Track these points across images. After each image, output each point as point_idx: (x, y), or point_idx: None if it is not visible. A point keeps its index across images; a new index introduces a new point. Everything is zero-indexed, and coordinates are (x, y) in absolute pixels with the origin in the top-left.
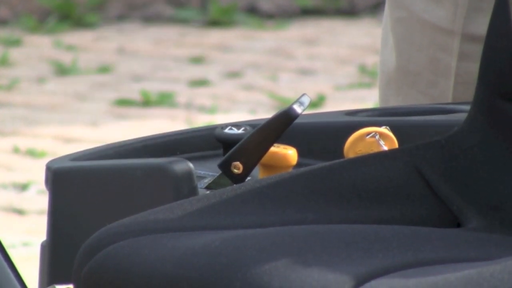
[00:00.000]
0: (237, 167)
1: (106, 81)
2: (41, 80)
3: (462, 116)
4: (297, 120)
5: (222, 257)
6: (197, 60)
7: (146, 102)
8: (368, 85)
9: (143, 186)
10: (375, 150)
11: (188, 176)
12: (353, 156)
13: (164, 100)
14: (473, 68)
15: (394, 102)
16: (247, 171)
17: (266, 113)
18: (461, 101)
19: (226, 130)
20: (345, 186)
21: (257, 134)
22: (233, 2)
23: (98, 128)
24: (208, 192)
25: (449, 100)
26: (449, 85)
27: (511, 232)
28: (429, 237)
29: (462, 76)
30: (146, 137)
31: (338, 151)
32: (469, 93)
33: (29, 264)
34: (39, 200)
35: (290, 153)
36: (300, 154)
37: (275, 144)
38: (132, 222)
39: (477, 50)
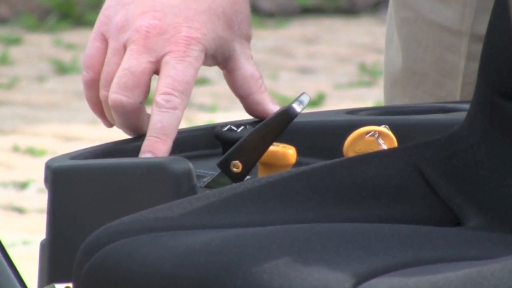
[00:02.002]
0: (237, 166)
1: None
2: (41, 78)
3: (462, 115)
4: (297, 119)
5: (222, 255)
6: None
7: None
8: (368, 84)
9: (143, 184)
10: (374, 149)
11: (188, 175)
12: (352, 155)
13: None
14: None
15: (400, 102)
16: (246, 170)
17: None
18: (461, 100)
19: (226, 129)
20: (345, 185)
21: (257, 133)
22: None
23: (97, 127)
24: (207, 191)
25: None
26: (456, 86)
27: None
28: (429, 236)
29: (470, 76)
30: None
31: (337, 150)
32: None
33: (28, 262)
34: (38, 198)
35: (289, 152)
36: (299, 153)
37: (274, 143)
38: (132, 221)
39: None
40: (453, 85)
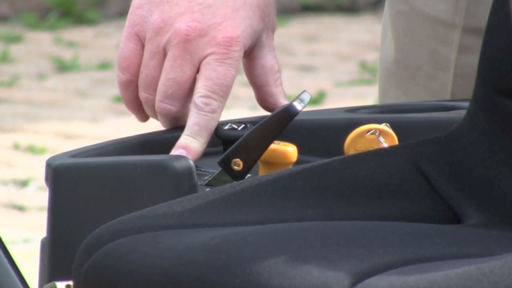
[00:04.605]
0: (237, 164)
1: (106, 77)
2: (41, 76)
3: (462, 113)
4: (297, 117)
5: (222, 254)
6: None
7: None
8: (368, 82)
9: (143, 183)
10: (375, 147)
11: (188, 173)
12: (353, 153)
13: None
14: (473, 60)
15: (394, 95)
16: (247, 168)
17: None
18: (462, 98)
19: (226, 127)
20: (345, 183)
21: (257, 131)
22: None
23: (98, 125)
24: (208, 189)
25: (448, 93)
26: (448, 78)
27: (511, 228)
28: (429, 233)
29: (462, 69)
30: (146, 134)
31: (338, 148)
32: (468, 86)
33: (29, 260)
34: (39, 196)
35: (290, 150)
36: (300, 151)
37: (275, 141)
38: (132, 220)
39: (477, 42)
40: (445, 77)
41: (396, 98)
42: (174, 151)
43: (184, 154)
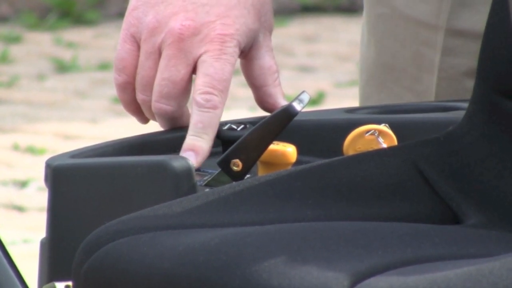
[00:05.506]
0: (237, 165)
1: (106, 78)
2: (41, 77)
3: (461, 114)
4: (297, 118)
5: (221, 254)
6: None
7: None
8: None
9: (143, 183)
10: (374, 147)
11: (188, 174)
12: (352, 154)
13: None
14: (457, 62)
15: (377, 98)
16: (246, 169)
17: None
18: (462, 99)
19: (226, 128)
20: (344, 183)
21: (257, 132)
22: None
23: (98, 125)
24: (207, 189)
25: (433, 96)
26: (433, 81)
27: (510, 229)
28: (428, 234)
29: (446, 71)
30: (146, 134)
31: (337, 148)
32: (452, 88)
33: (29, 261)
34: (39, 197)
35: (289, 151)
36: (299, 152)
37: (274, 142)
38: (132, 220)
39: (461, 44)
40: (430, 79)
41: (379, 100)
42: (183, 154)
43: (193, 156)
